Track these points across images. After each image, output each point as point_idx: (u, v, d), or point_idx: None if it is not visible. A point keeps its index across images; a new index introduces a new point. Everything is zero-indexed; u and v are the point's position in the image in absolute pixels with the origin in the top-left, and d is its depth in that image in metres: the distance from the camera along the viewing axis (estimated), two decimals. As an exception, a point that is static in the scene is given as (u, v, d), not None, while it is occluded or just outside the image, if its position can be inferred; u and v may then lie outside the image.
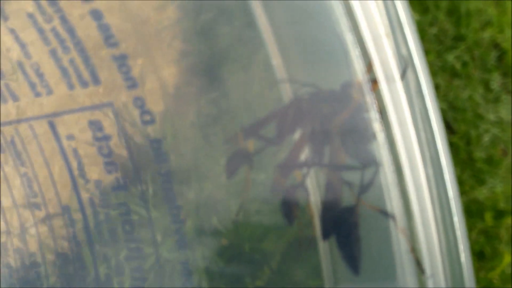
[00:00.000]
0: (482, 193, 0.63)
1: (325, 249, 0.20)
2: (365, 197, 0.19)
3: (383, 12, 0.18)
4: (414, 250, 0.18)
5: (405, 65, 0.18)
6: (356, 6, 0.18)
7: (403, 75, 0.18)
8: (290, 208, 0.20)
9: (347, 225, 0.19)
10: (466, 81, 0.68)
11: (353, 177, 0.19)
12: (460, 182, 0.64)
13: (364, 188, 0.18)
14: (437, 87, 0.67)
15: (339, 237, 0.19)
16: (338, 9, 0.18)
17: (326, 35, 0.18)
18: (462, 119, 0.66)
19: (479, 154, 0.65)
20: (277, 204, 0.20)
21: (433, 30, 0.69)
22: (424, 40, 0.69)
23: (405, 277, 0.19)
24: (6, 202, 0.27)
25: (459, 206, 0.19)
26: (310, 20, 0.18)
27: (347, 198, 0.19)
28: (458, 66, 0.68)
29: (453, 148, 0.65)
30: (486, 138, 0.65)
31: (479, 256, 0.61)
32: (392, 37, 0.18)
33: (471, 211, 0.63)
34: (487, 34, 0.70)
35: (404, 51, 0.18)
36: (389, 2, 0.18)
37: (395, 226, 0.18)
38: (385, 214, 0.18)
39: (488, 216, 0.62)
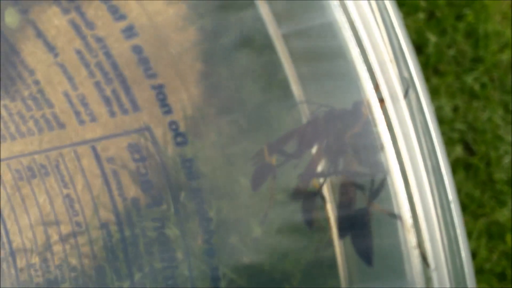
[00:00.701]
0: (503, 215, 0.66)
1: (341, 249, 0.24)
2: (376, 200, 0.23)
3: (387, 40, 0.22)
4: (419, 246, 0.22)
5: (407, 86, 0.22)
6: (363, 35, 0.22)
7: (406, 95, 0.22)
8: (309, 213, 0.24)
9: (360, 225, 0.23)
10: (485, 103, 0.72)
11: (365, 183, 0.23)
12: (481, 204, 0.67)
13: (375, 193, 0.23)
14: (456, 109, 0.71)
15: (353, 236, 0.23)
16: (348, 38, 0.22)
17: (339, 61, 0.23)
18: (482, 140, 0.70)
19: (499, 175, 0.68)
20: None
21: (451, 52, 0.73)
22: (443, 62, 0.73)
23: (412, 270, 0.23)
24: (51, 223, 0.31)
25: (458, 207, 0.23)
26: (324, 48, 0.23)
27: (359, 202, 0.23)
28: (477, 87, 0.72)
29: (473, 170, 0.69)
30: (507, 160, 0.68)
31: (500, 277, 0.64)
32: (395, 62, 0.22)
33: (492, 233, 0.66)
34: (505, 56, 0.73)
35: (406, 74, 0.23)
36: (392, 32, 0.22)
37: (402, 225, 0.23)
38: (393, 215, 0.23)
39: (510, 238, 0.65)
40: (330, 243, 0.24)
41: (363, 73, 0.22)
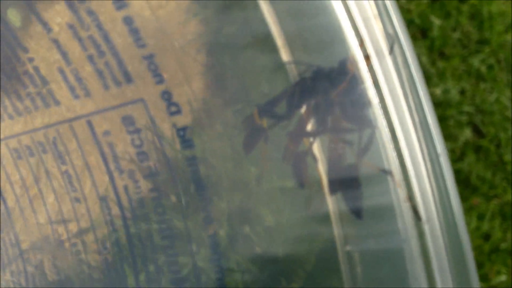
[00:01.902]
0: (515, 196, 0.67)
1: (333, 204, 0.25)
2: (365, 156, 0.24)
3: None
4: (410, 199, 0.23)
5: (392, 42, 0.23)
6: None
7: (391, 50, 0.23)
8: (301, 172, 0.25)
9: (350, 180, 0.24)
10: (492, 84, 0.72)
11: (353, 140, 0.24)
12: (492, 186, 0.68)
13: (364, 148, 0.24)
14: (463, 92, 0.72)
15: (344, 191, 0.24)
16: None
17: (323, 19, 0.24)
18: (491, 122, 0.70)
19: (510, 156, 0.69)
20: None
21: (456, 35, 0.74)
22: (448, 45, 0.73)
23: (405, 223, 0.24)
24: (50, 198, 0.32)
25: (447, 160, 0.24)
26: (308, 6, 0.24)
27: (349, 158, 0.24)
28: (483, 69, 0.73)
29: (483, 152, 0.69)
30: (517, 141, 0.69)
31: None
32: (379, 18, 0.23)
33: (505, 214, 0.67)
34: (511, 37, 0.74)
35: (390, 30, 0.23)
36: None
37: (392, 180, 0.23)
38: (383, 170, 0.23)
39: (523, 218, 0.66)
40: (322, 200, 0.25)
41: (347, 30, 0.23)
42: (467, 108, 0.71)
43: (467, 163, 0.68)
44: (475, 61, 0.73)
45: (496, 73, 0.73)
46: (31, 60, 0.30)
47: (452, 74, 0.72)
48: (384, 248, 0.24)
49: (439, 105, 0.69)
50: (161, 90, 0.28)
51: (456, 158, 0.68)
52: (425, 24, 0.74)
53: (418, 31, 0.74)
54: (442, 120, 0.69)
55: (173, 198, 0.29)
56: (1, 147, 0.32)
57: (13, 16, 0.30)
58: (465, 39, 0.74)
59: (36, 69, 0.30)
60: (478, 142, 0.70)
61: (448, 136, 0.68)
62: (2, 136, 0.32)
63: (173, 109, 0.28)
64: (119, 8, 0.27)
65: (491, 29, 0.74)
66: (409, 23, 0.73)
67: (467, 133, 0.69)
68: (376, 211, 0.24)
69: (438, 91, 0.70)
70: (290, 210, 0.28)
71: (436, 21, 0.73)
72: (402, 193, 0.23)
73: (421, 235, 0.24)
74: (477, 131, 0.70)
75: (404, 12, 0.73)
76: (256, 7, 0.24)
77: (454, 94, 0.71)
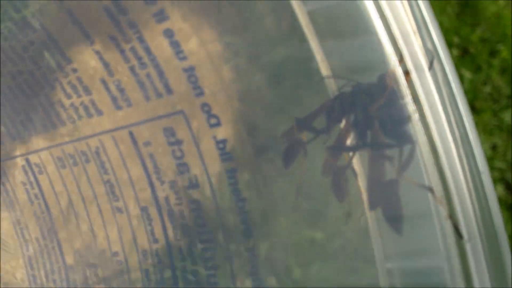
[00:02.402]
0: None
1: (372, 219, 0.25)
2: (406, 172, 0.24)
3: (409, 12, 0.23)
4: (451, 217, 0.23)
5: (432, 57, 0.23)
6: (385, 8, 0.23)
7: (431, 66, 0.23)
8: (340, 186, 0.25)
9: (390, 196, 0.24)
10: (525, 140, 0.70)
11: (393, 155, 0.24)
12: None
13: (404, 163, 0.24)
14: (494, 147, 0.70)
15: (384, 207, 0.24)
16: (371, 10, 0.23)
17: (363, 35, 0.24)
18: (524, 179, 0.69)
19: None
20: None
21: (487, 89, 0.72)
22: (478, 98, 0.72)
23: (446, 241, 0.23)
24: (92, 207, 0.33)
25: (488, 178, 0.23)
26: (348, 22, 0.24)
27: (389, 173, 0.24)
28: (515, 125, 0.71)
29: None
30: (552, 199, 0.68)
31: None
32: (418, 34, 0.23)
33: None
34: (542, 93, 0.72)
35: (429, 45, 0.23)
36: (414, 3, 0.23)
37: (433, 196, 0.23)
38: (424, 186, 0.23)
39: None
40: (362, 214, 0.25)
41: (386, 45, 0.23)
42: (499, 164, 0.69)
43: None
44: (507, 116, 0.71)
45: (528, 129, 0.71)
46: (74, 70, 0.31)
47: (483, 128, 0.71)
48: (424, 266, 0.24)
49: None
50: (201, 102, 0.28)
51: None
52: (456, 77, 0.72)
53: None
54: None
55: (212, 212, 0.29)
56: (45, 156, 0.33)
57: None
58: (496, 93, 0.73)
59: (79, 79, 0.31)
60: (511, 200, 0.68)
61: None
62: (46, 145, 0.33)
63: (213, 121, 0.28)
64: (159, 21, 0.27)
65: (522, 84, 0.73)
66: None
67: (499, 190, 0.68)
68: (416, 228, 0.24)
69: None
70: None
71: (467, 74, 0.72)
72: (443, 210, 0.23)
73: (462, 253, 0.23)
74: (509, 188, 0.69)
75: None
76: (296, 22, 0.24)
77: (486, 150, 0.69)
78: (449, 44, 0.73)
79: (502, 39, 0.73)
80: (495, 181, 0.68)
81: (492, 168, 0.69)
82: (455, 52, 0.73)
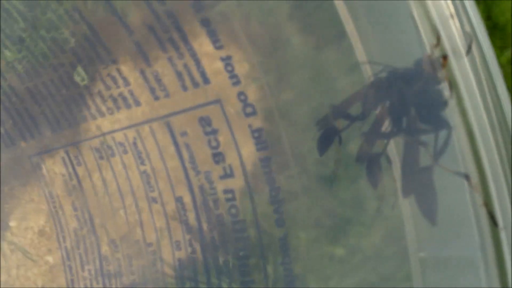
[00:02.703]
0: None
1: (406, 206, 0.25)
2: (441, 158, 0.23)
3: (447, -5, 0.23)
4: (487, 204, 0.23)
5: (470, 41, 0.23)
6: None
7: (469, 50, 0.23)
8: (374, 173, 0.25)
9: (425, 183, 0.24)
10: None
11: (429, 141, 0.24)
12: None
13: (439, 150, 0.23)
14: None
15: (417, 194, 0.24)
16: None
17: (400, 20, 0.24)
18: None
19: None
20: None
21: None
22: None
23: (481, 229, 0.23)
24: (128, 197, 0.33)
25: (527, 164, 0.23)
26: (385, 6, 0.24)
27: (424, 160, 0.24)
28: None
29: None
30: None
31: None
32: (457, 17, 0.23)
33: None
34: None
35: (468, 28, 0.23)
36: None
37: (468, 183, 0.23)
38: (459, 173, 0.23)
39: None
40: (396, 200, 0.25)
41: (424, 29, 0.23)
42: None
43: None
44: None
45: None
46: (114, 61, 0.31)
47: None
48: (458, 255, 0.24)
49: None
50: (237, 91, 0.28)
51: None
52: None
53: None
54: None
55: (247, 201, 0.29)
56: (84, 147, 0.34)
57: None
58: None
59: (119, 70, 0.31)
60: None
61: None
62: (85, 137, 0.34)
63: (249, 110, 0.28)
64: (197, 11, 0.28)
65: None
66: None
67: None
68: (451, 215, 0.24)
69: None
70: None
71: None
72: (478, 197, 0.23)
73: (497, 242, 0.23)
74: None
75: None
76: (332, 7, 0.25)
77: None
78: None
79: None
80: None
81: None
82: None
